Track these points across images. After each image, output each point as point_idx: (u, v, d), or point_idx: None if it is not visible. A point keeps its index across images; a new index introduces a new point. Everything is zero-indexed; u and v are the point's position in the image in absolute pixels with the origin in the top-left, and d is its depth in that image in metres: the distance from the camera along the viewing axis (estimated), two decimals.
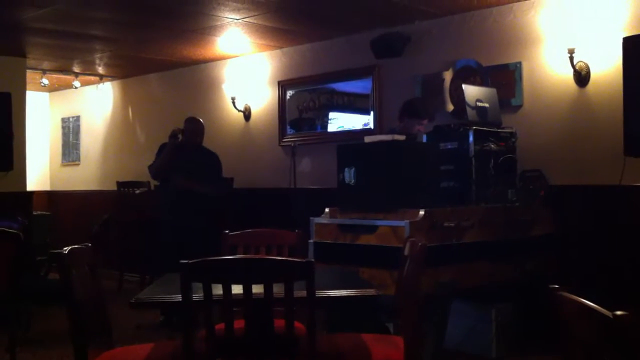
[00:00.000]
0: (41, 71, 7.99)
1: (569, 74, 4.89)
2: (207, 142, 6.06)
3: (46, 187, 9.78)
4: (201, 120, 5.91)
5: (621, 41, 4.27)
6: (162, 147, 5.81)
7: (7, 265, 4.48)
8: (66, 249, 2.57)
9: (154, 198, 6.43)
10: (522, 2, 5.17)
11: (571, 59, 4.81)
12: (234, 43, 6.70)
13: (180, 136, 5.64)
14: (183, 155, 5.65)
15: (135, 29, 6.23)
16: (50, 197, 9.67)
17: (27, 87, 7.59)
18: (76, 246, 2.71)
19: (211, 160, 5.85)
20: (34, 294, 4.95)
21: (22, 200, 7.02)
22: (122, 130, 8.77)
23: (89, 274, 2.79)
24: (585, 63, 4.81)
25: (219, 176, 5.92)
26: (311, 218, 4.53)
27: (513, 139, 4.80)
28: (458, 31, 5.57)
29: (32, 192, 7.58)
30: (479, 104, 4.71)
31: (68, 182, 9.60)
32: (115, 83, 8.83)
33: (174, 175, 5.61)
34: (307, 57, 6.70)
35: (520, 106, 5.17)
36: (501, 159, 4.65)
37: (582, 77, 4.83)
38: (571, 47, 4.78)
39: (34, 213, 7.55)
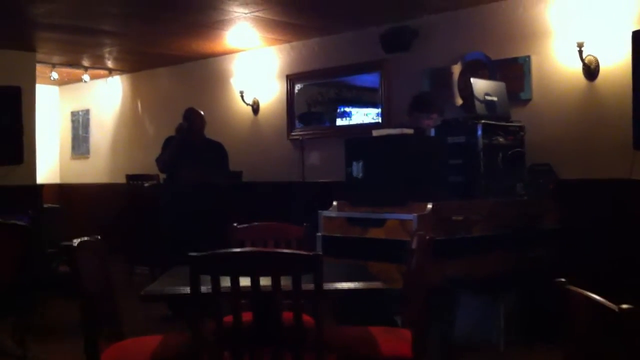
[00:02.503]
0: (51, 65, 8.03)
1: (578, 67, 4.87)
2: (215, 136, 6.08)
3: (56, 180, 9.83)
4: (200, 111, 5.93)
5: (631, 35, 4.25)
6: (168, 141, 5.83)
7: (17, 258, 4.51)
8: (76, 241, 2.59)
9: (161, 192, 6.45)
10: None
11: (580, 52, 4.80)
12: (243, 37, 6.71)
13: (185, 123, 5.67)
14: (190, 149, 5.67)
15: (144, 24, 6.24)
16: (60, 190, 9.73)
17: (37, 80, 7.64)
18: (86, 238, 2.73)
19: (217, 150, 5.86)
20: (43, 286, 4.98)
21: (32, 193, 7.06)
22: (132, 123, 8.81)
23: (99, 266, 2.82)
24: (594, 57, 4.80)
25: (227, 166, 5.93)
26: (319, 211, 4.54)
27: (522, 133, 4.80)
28: (467, 25, 5.56)
29: (42, 185, 7.62)
30: (488, 97, 4.70)
31: (78, 175, 9.65)
32: (125, 77, 8.86)
33: (184, 169, 5.62)
34: (316, 51, 6.71)
35: (529, 100, 5.16)
36: (510, 152, 4.65)
37: (591, 70, 4.82)
38: (580, 40, 4.77)
39: (44, 206, 7.60)
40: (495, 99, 4.75)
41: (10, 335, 4.71)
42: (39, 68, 7.73)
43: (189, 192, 5.60)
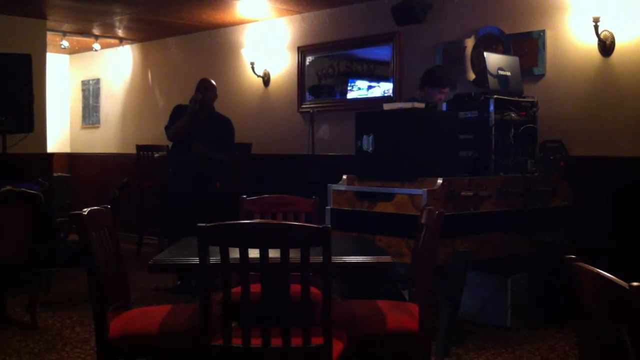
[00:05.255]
0: (61, 33, 8.00)
1: (594, 43, 4.80)
2: (225, 108, 6.05)
3: (66, 149, 9.85)
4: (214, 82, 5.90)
5: None
6: (176, 109, 5.81)
7: (28, 226, 4.54)
8: (85, 210, 2.59)
9: (168, 163, 6.45)
10: None
11: (596, 27, 4.72)
12: (254, 7, 6.65)
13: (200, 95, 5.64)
14: (198, 122, 5.66)
15: None
16: (71, 160, 9.75)
17: (48, 49, 7.60)
18: (95, 208, 2.73)
19: (226, 126, 5.85)
20: (53, 255, 5.01)
21: (42, 161, 7.07)
22: (142, 93, 8.78)
23: (108, 236, 2.82)
24: (610, 32, 4.73)
25: (233, 142, 5.92)
26: (328, 185, 4.53)
27: (534, 109, 4.75)
28: None
29: (52, 154, 7.63)
30: (501, 72, 4.65)
31: (88, 144, 9.66)
32: (135, 46, 8.82)
33: (193, 142, 5.61)
34: (327, 22, 6.64)
35: (542, 75, 5.10)
36: (521, 128, 4.61)
37: (606, 46, 4.75)
38: (596, 15, 4.69)
39: (54, 175, 7.61)
40: (508, 73, 4.70)
41: (20, 305, 4.76)
42: (50, 36, 7.70)
43: (194, 167, 5.60)
